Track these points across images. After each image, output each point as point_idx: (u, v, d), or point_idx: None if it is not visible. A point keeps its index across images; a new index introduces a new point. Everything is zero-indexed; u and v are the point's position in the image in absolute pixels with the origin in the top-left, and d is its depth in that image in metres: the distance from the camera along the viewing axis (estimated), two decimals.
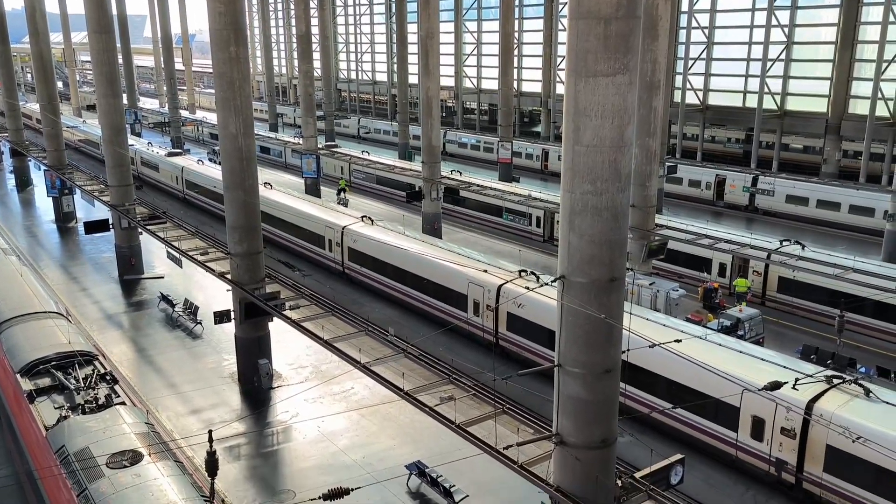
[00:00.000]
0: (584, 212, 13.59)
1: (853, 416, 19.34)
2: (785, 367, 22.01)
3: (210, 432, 14.71)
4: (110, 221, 38.34)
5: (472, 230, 50.32)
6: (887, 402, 19.83)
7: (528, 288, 27.18)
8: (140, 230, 37.15)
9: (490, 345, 30.26)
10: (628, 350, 16.03)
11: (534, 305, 27.90)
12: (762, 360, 22.53)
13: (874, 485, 18.73)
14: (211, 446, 14.77)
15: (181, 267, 33.94)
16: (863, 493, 19.06)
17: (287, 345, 30.19)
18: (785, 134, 58.62)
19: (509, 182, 55.51)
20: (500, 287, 29.47)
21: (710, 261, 37.09)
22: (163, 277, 39.89)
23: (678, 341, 20.33)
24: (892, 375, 26.57)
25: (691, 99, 62.80)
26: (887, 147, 52.06)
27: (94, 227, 37.95)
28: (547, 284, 18.83)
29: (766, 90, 57.35)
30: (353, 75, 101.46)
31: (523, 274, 29.80)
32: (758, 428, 21.34)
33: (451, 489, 20.63)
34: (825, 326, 32.41)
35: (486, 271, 30.55)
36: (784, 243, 35.34)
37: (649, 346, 17.29)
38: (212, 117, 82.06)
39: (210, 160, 63.34)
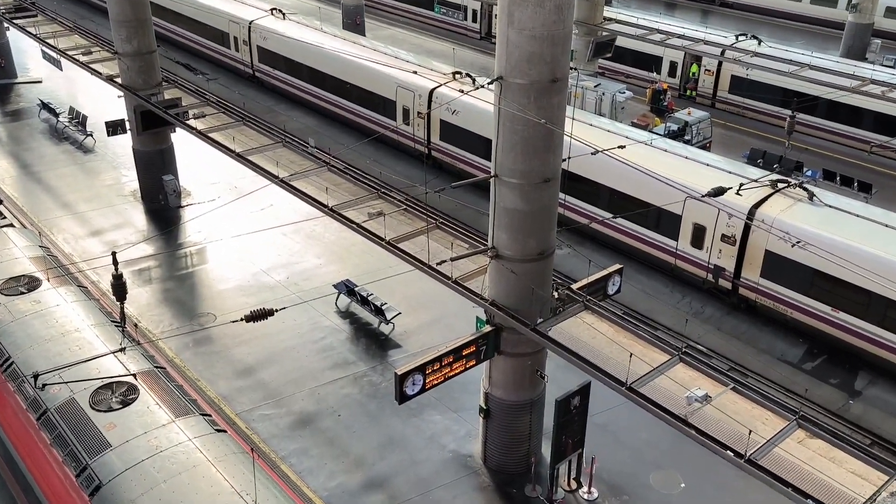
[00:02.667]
0: (524, 2, 13.04)
1: (794, 220, 20.54)
2: (730, 172, 22.90)
3: (114, 254, 14.57)
4: None
5: (399, 26, 48.18)
6: (829, 206, 21.09)
7: (462, 91, 26.66)
8: (6, 25, 34.09)
9: (422, 156, 30.19)
10: (569, 158, 16.24)
11: (469, 111, 27.63)
12: (707, 165, 23.36)
13: (808, 287, 20.43)
14: (116, 269, 14.72)
15: (61, 69, 31.77)
16: (797, 296, 20.80)
17: (194, 159, 29.56)
18: None
19: None
20: (432, 91, 28.83)
21: (661, 59, 36.92)
22: (40, 82, 37.39)
23: (622, 147, 20.66)
24: (838, 178, 28.07)
25: None
26: None
27: None
28: (483, 87, 18.51)
29: None
30: None
31: (458, 76, 29.11)
32: (698, 235, 22.55)
33: (383, 307, 21.50)
34: (775, 129, 33.51)
35: (416, 73, 29.66)
36: (740, 38, 35.28)
37: (591, 153, 17.50)
38: None
39: None
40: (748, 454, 12.24)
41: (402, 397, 14.47)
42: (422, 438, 18.24)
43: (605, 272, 16.64)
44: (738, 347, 21.15)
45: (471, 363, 15.42)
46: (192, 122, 24.45)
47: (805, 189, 21.67)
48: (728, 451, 12.34)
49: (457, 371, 15.19)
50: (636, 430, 18.19)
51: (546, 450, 17.12)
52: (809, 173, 28.61)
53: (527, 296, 14.94)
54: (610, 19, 36.32)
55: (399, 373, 14.27)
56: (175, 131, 26.86)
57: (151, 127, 26.16)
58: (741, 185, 21.48)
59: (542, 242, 15.02)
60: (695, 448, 13.38)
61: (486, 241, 15.99)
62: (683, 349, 14.52)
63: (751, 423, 12.70)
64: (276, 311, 13.11)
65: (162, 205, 27.62)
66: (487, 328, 15.68)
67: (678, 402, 13.20)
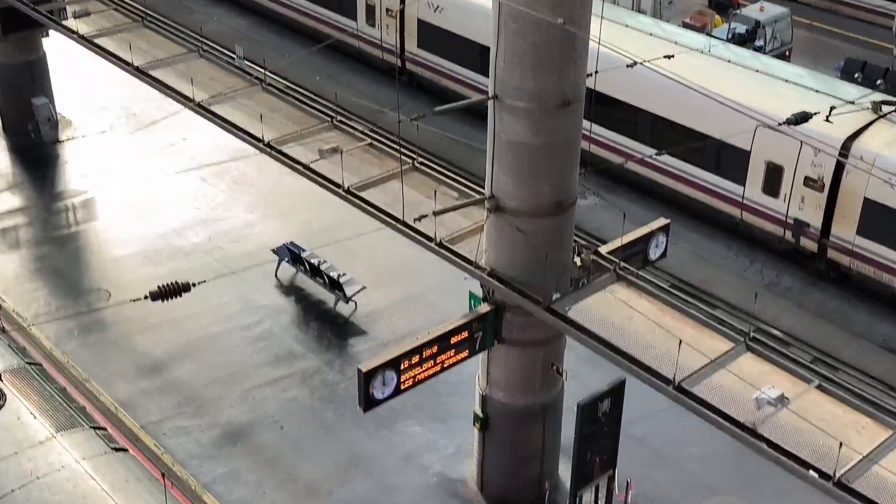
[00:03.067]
0: None
1: None
2: (817, 91, 22.86)
3: None
4: None
5: None
6: None
7: None
8: None
9: (393, 70, 29.96)
10: (596, 72, 16.11)
11: (458, 6, 27.41)
12: (786, 82, 23.33)
13: None
14: None
15: None
16: None
17: (76, 76, 29.29)
18: None
19: None
20: None
21: None
22: None
23: (669, 58, 20.53)
24: None
25: None
26: None
27: None
28: None
29: None
30: None
31: None
32: (773, 178, 22.62)
33: (341, 279, 21.54)
34: (879, 31, 33.44)
35: None
36: None
37: (628, 66, 17.41)
38: None
39: None
40: (838, 475, 12.35)
41: (369, 402, 14.50)
42: (396, 458, 18.37)
43: (645, 230, 16.63)
44: (826, 331, 21.36)
45: (462, 355, 15.47)
46: (71, 24, 24.12)
47: None
48: (811, 472, 12.48)
49: (443, 366, 15.23)
50: (686, 443, 18.42)
51: (565, 472, 17.31)
52: None
53: (538, 263, 14.97)
54: None
55: (364, 369, 14.31)
56: (48, 35, 26.47)
57: (15, 30, 25.87)
58: (832, 108, 21.50)
59: (559, 189, 15.02)
60: (765, 467, 13.54)
61: (483, 188, 15.96)
62: (751, 334, 14.62)
63: (842, 434, 12.80)
64: (194, 285, 13.07)
65: (32, 139, 27.41)
66: (484, 308, 15.72)
67: (744, 405, 13.33)
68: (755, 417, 13.15)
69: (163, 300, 13.04)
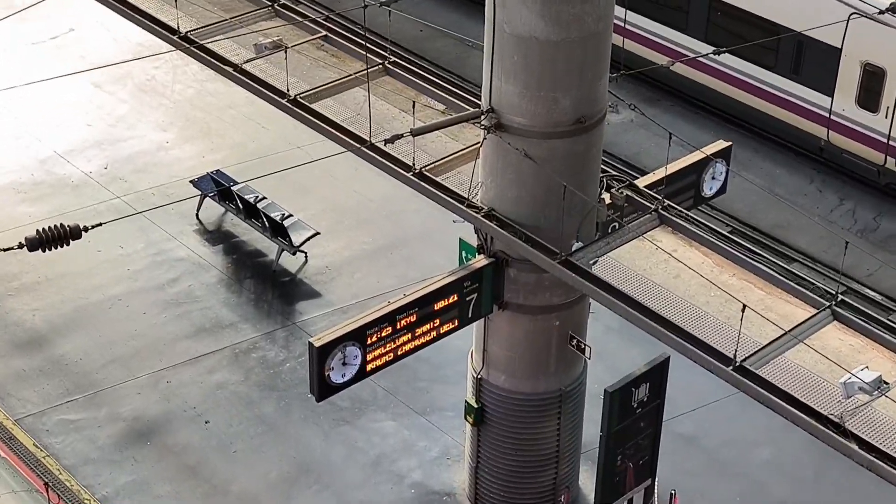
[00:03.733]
0: None
1: None
2: None
3: None
4: None
5: None
6: None
7: None
8: None
9: None
10: None
11: None
12: None
13: None
14: None
15: None
16: None
17: None
18: None
19: None
20: None
21: None
22: None
23: None
24: None
25: None
26: None
27: None
28: None
29: None
30: None
31: None
32: (871, 86, 22.68)
33: (285, 222, 21.55)
34: None
35: None
36: None
37: None
38: None
39: None
40: None
41: (324, 389, 14.51)
42: (360, 464, 18.47)
43: (697, 156, 16.64)
44: None
45: (449, 325, 15.50)
46: None
47: None
48: None
49: (424, 340, 15.26)
50: (750, 444, 18.56)
51: (588, 481, 17.41)
52: None
53: (553, 200, 14.96)
54: None
55: (317, 344, 14.30)
56: None
57: None
58: None
59: (582, 100, 14.96)
60: (857, 476, 13.63)
61: (479, 98, 15.87)
62: (839, 296, 14.67)
63: None
64: (86, 230, 13.01)
65: None
66: (480, 261, 15.73)
67: (829, 392, 13.39)
68: (844, 409, 13.21)
69: (44, 250, 12.98)
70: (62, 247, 13.06)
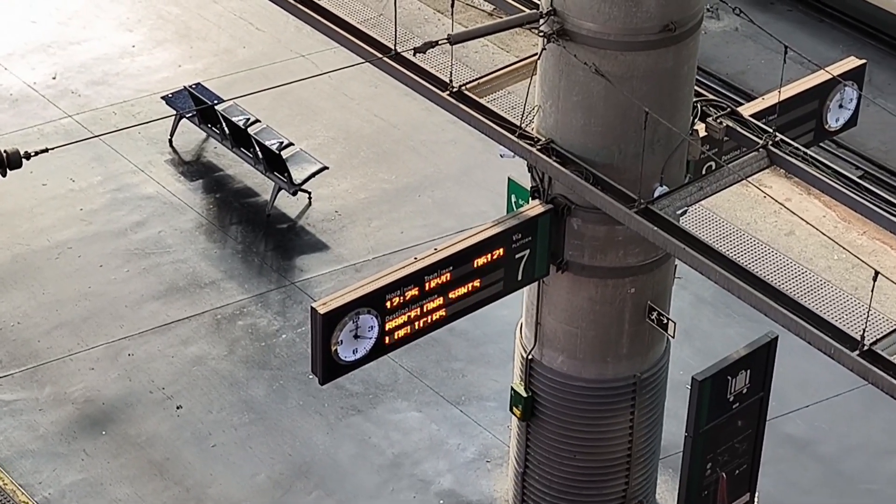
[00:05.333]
0: None
1: None
2: None
3: None
4: None
5: None
6: None
7: None
8: None
9: None
10: None
11: None
12: None
13: None
14: None
15: None
16: None
17: None
18: None
19: None
20: None
21: None
22: None
23: None
24: None
25: None
26: None
27: None
28: None
29: None
30: None
31: None
32: None
33: (284, 151, 21.64)
34: None
35: None
36: None
37: None
38: None
39: None
40: None
41: (330, 368, 14.65)
42: (375, 465, 18.63)
43: (820, 77, 16.62)
44: None
45: (493, 291, 15.60)
46: None
47: None
48: None
49: (459, 309, 15.36)
50: (881, 451, 18.62)
51: (667, 494, 17.48)
52: None
53: (630, 131, 14.98)
54: None
55: (322, 310, 14.40)
56: None
57: None
58: None
59: (671, 1, 14.91)
60: None
61: None
62: None
63: None
64: (29, 156, 13.12)
65: None
66: (535, 207, 15.80)
67: None
68: None
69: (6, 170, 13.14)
70: None
